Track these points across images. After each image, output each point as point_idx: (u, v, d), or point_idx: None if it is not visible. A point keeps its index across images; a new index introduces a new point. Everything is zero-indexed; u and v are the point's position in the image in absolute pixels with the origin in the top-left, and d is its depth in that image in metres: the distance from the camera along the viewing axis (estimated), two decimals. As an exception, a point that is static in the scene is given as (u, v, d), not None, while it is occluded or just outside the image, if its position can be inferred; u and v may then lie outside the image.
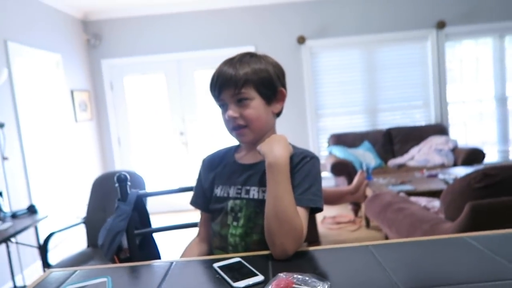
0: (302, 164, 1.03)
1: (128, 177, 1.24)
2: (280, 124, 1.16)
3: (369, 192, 3.29)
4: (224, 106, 1.08)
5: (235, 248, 1.06)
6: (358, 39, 4.92)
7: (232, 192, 1.09)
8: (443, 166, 4.21)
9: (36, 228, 3.05)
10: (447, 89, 5.00)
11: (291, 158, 1.01)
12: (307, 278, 0.73)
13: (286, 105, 1.13)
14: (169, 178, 5.15)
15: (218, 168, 1.16)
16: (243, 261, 0.87)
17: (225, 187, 1.11)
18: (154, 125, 5.13)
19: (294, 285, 0.73)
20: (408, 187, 3.27)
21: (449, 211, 2.08)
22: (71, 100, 4.32)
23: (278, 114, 1.13)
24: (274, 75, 1.07)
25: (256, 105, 1.05)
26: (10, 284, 3.02)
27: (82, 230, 3.86)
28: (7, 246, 2.97)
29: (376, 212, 2.66)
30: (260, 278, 0.78)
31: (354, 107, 5.08)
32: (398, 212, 2.39)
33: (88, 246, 2.83)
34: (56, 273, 0.93)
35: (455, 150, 4.45)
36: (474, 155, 4.27)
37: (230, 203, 1.08)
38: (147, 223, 1.30)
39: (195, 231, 1.24)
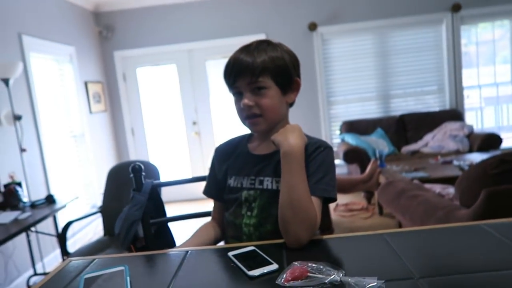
0: (316, 153, 1.03)
1: (143, 167, 1.25)
2: (292, 112, 1.15)
3: (382, 179, 3.27)
4: (238, 94, 1.06)
5: (249, 237, 1.07)
6: (370, 24, 4.83)
7: (245, 182, 1.10)
8: (458, 152, 4.15)
9: (54, 217, 3.12)
10: (463, 74, 4.90)
11: (305, 147, 1.01)
12: (321, 267, 0.74)
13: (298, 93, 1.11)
14: (183, 168, 5.20)
15: (231, 158, 1.16)
16: (257, 250, 0.88)
17: (238, 178, 1.12)
18: (166, 115, 5.16)
19: (308, 274, 0.73)
20: (422, 174, 3.23)
21: (464, 198, 2.05)
22: (85, 92, 4.37)
23: (291, 104, 1.12)
24: (290, 64, 1.06)
25: (272, 94, 1.03)
26: (31, 271, 3.12)
27: (98, 219, 3.93)
28: (27, 235, 3.05)
29: (390, 199, 2.65)
30: (274, 266, 0.79)
31: (367, 93, 5.02)
32: (412, 199, 2.37)
33: (105, 234, 2.88)
34: (76, 262, 0.95)
35: (470, 135, 4.38)
36: (490, 141, 4.20)
37: (244, 194, 1.09)
38: (162, 212, 1.31)
39: (209, 220, 1.26)
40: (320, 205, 0.99)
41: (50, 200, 2.88)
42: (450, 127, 4.48)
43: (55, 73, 4.01)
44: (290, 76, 1.06)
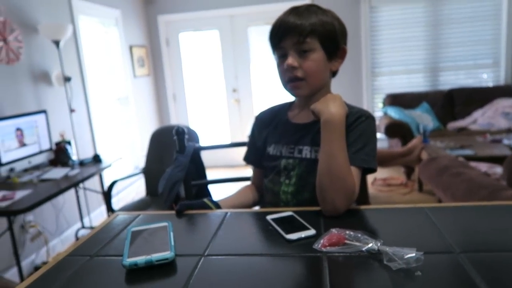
0: (357, 123, 1.01)
1: (186, 130, 1.28)
2: (333, 82, 1.12)
3: (424, 155, 3.17)
4: (282, 57, 1.04)
5: (286, 204, 1.08)
6: (423, -9, 4.55)
7: (284, 151, 1.10)
8: (509, 131, 3.93)
9: (100, 176, 3.29)
10: (522, 47, 4.56)
11: (347, 117, 0.99)
12: (359, 235, 0.74)
13: (340, 62, 1.08)
14: (221, 134, 5.28)
15: (270, 126, 1.16)
16: (295, 215, 0.89)
17: (277, 146, 1.12)
18: (207, 81, 5.20)
19: (346, 241, 0.74)
20: (468, 151, 3.11)
21: (512, 178, 1.96)
22: (129, 56, 4.47)
23: (334, 74, 1.10)
24: (339, 31, 1.04)
25: (317, 58, 1.01)
26: (79, 224, 3.34)
27: (140, 180, 4.11)
28: (76, 191, 3.25)
29: (432, 176, 2.57)
30: (312, 231, 0.80)
31: (414, 65, 4.80)
32: (455, 176, 2.29)
33: (147, 194, 3.02)
34: (122, 216, 1.01)
35: (524, 114, 4.12)
36: (546, 120, 3.93)
37: (283, 162, 1.09)
38: (203, 175, 1.35)
39: (248, 183, 1.28)
40: (359, 175, 0.98)
41: (96, 159, 3.04)
42: (503, 103, 4.23)
43: (102, 37, 4.11)
44: (338, 42, 1.04)
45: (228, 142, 1.42)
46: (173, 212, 0.99)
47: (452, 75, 4.77)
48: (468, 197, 2.08)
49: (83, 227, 3.33)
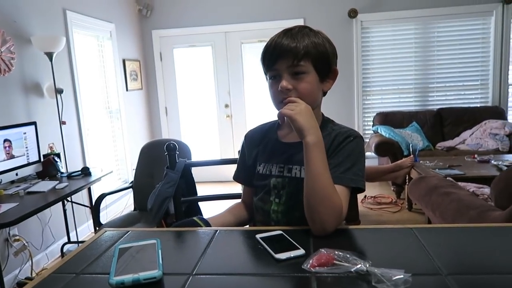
0: (346, 143, 1.02)
1: (177, 146, 1.28)
2: (325, 100, 1.14)
3: (414, 174, 3.20)
4: (275, 78, 1.04)
5: (277, 223, 1.08)
6: (414, 13, 4.66)
7: (274, 170, 1.10)
8: (497, 152, 3.99)
9: (89, 189, 3.25)
10: (510, 70, 4.66)
11: (335, 136, 1.00)
12: (348, 255, 0.74)
13: (332, 80, 1.10)
14: (213, 149, 5.26)
15: (260, 145, 1.17)
16: (285, 234, 0.89)
17: (267, 165, 1.12)
18: (200, 96, 5.22)
19: (334, 261, 0.74)
20: (456, 171, 3.14)
21: (500, 199, 1.98)
22: (122, 69, 4.48)
23: (324, 94, 1.11)
24: (330, 52, 1.05)
25: (310, 80, 1.02)
26: (65, 239, 3.28)
27: (129, 194, 4.06)
28: (63, 205, 3.20)
29: (421, 195, 2.59)
30: (301, 251, 0.80)
31: (404, 85, 4.88)
32: (444, 196, 2.31)
33: (135, 209, 2.98)
34: (111, 232, 1.00)
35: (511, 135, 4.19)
36: (532, 142, 4.00)
37: (273, 181, 1.09)
38: (193, 191, 1.35)
39: (239, 201, 1.28)
40: (348, 195, 0.99)
41: (85, 172, 3.00)
42: (491, 125, 4.30)
43: (95, 49, 4.12)
44: (329, 63, 1.05)
45: (219, 157, 1.42)
46: (162, 229, 0.98)
47: (441, 95, 4.85)
48: (457, 217, 2.10)
49: (69, 241, 3.27)
